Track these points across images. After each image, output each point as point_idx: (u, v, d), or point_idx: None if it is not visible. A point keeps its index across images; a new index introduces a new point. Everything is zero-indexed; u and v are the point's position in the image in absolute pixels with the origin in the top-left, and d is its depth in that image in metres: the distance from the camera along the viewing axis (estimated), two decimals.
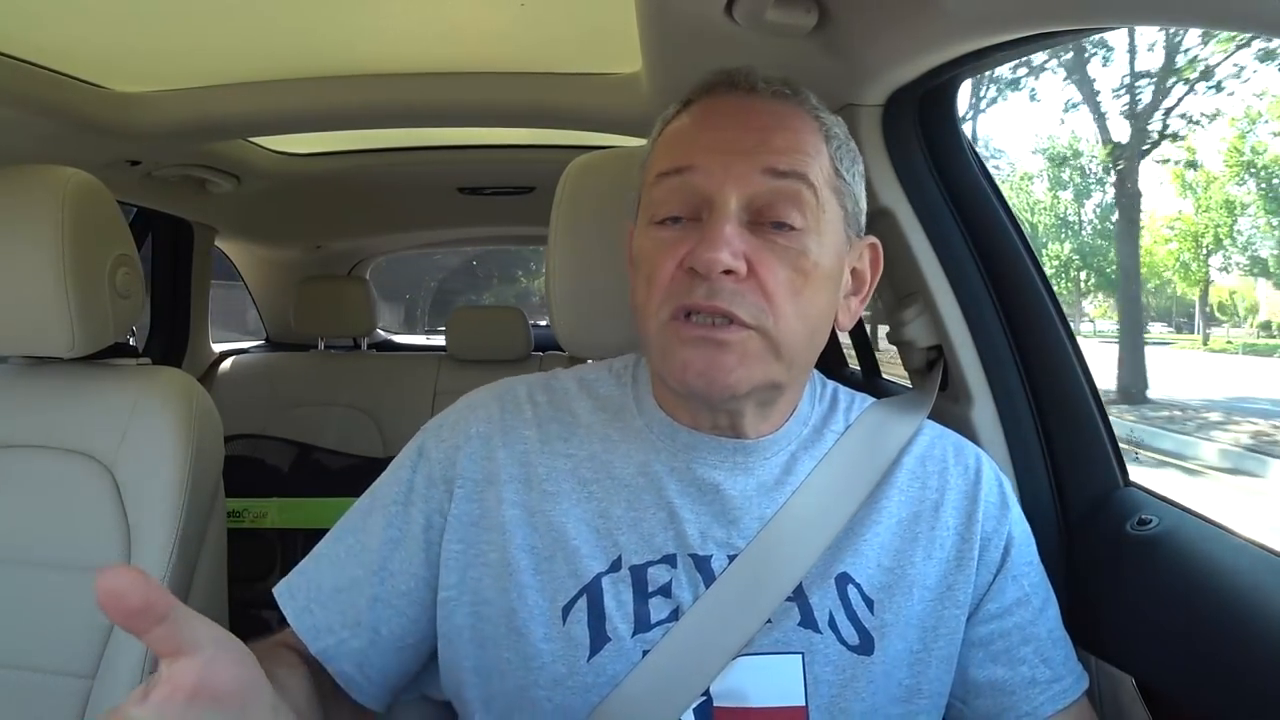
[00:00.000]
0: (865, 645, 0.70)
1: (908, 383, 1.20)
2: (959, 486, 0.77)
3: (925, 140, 1.03)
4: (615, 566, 0.71)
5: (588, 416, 0.78)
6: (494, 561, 0.72)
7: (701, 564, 0.71)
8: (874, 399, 0.83)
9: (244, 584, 1.92)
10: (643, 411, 0.77)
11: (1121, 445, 0.97)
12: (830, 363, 2.03)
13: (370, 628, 0.74)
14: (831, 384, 0.84)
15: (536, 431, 0.76)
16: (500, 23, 1.26)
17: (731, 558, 0.71)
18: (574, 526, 0.72)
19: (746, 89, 0.73)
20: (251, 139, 1.84)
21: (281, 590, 0.78)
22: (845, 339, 2.02)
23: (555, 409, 0.78)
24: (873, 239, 0.78)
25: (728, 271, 0.66)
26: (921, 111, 1.02)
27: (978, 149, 1.07)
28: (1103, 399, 0.98)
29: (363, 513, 0.78)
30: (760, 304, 0.67)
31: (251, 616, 2.05)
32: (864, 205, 0.76)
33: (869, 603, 0.71)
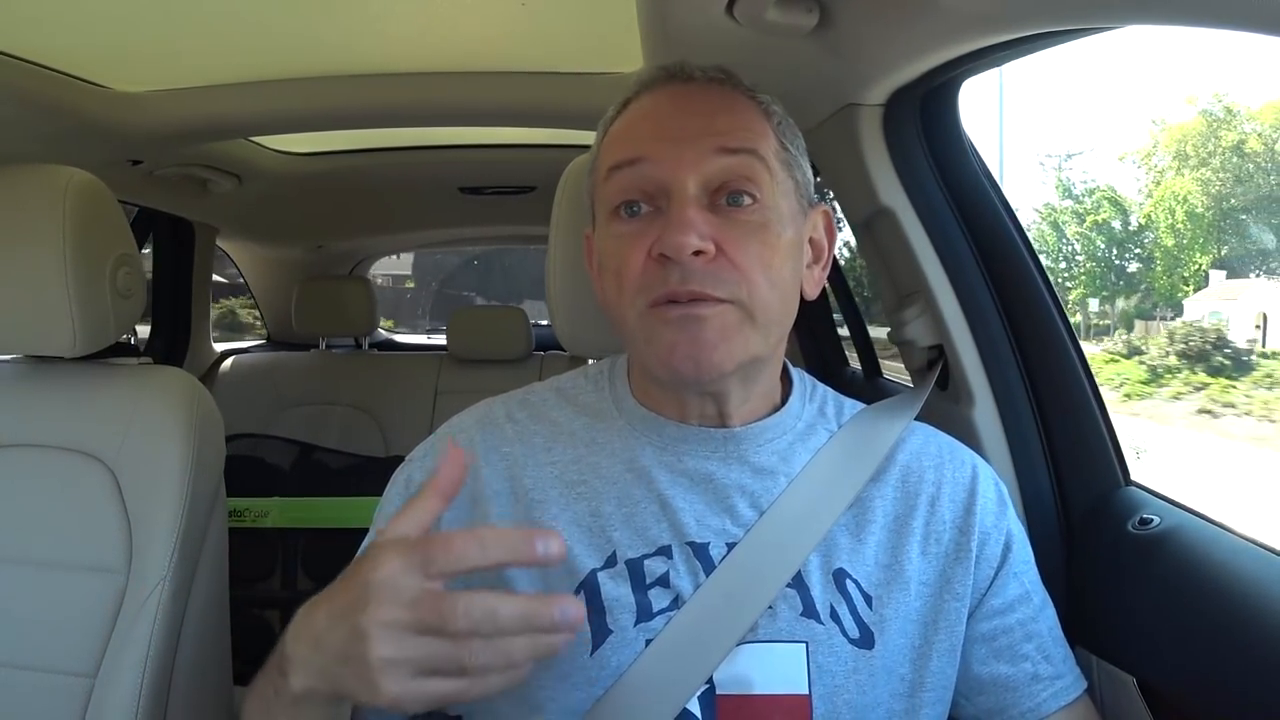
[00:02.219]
0: (866, 639, 0.70)
1: (909, 382, 1.20)
2: (955, 480, 0.78)
3: (926, 140, 1.03)
4: (610, 562, 0.71)
5: (569, 423, 0.79)
6: (488, 577, 0.72)
7: (700, 552, 0.71)
8: (865, 405, 0.84)
9: (245, 583, 1.93)
10: (623, 412, 0.78)
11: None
12: (830, 362, 2.03)
13: None
14: (821, 387, 0.84)
15: (519, 446, 0.77)
16: (501, 22, 1.26)
17: (730, 545, 0.71)
18: (565, 529, 0.72)
19: (683, 79, 0.75)
20: (253, 138, 1.84)
21: None
22: (844, 333, 2.02)
23: (536, 421, 0.79)
24: (824, 206, 0.79)
25: (697, 253, 0.66)
26: (923, 111, 1.02)
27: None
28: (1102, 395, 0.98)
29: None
30: (733, 278, 0.68)
31: (253, 616, 2.06)
32: (810, 176, 0.77)
33: (868, 599, 0.72)
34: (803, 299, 0.77)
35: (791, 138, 0.75)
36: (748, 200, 0.70)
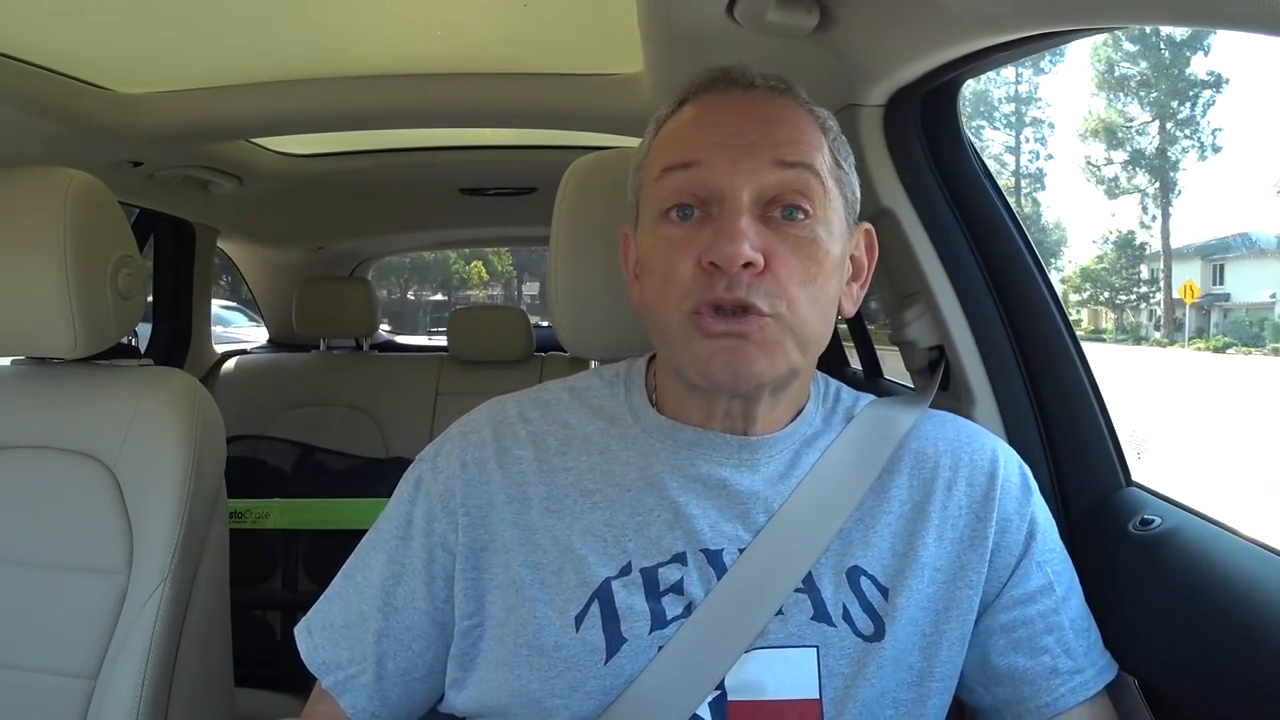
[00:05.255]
0: (878, 632, 0.70)
1: (909, 382, 1.20)
2: (974, 464, 0.77)
3: (927, 140, 1.03)
4: (624, 571, 0.71)
5: (584, 427, 0.78)
6: (502, 583, 0.72)
7: (713, 558, 0.71)
8: (876, 397, 0.83)
9: (246, 585, 1.92)
10: (639, 419, 0.77)
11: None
12: (832, 362, 2.03)
13: (376, 662, 0.75)
14: (835, 384, 0.84)
15: (533, 450, 0.76)
16: (502, 23, 1.26)
17: (743, 551, 0.71)
18: (579, 538, 0.72)
19: (745, 85, 0.74)
20: (253, 140, 1.84)
21: (300, 629, 0.79)
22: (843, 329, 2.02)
23: (550, 423, 0.78)
24: (867, 225, 0.79)
25: (747, 265, 0.66)
26: (923, 112, 1.02)
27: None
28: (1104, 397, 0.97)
29: (369, 548, 0.79)
30: (777, 294, 0.67)
31: (253, 617, 2.07)
32: (859, 194, 0.77)
33: (884, 591, 0.72)
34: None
35: (844, 155, 0.75)
36: (800, 215, 0.69)
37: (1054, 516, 0.95)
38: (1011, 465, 0.78)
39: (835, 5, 0.83)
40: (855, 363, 1.96)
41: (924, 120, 1.03)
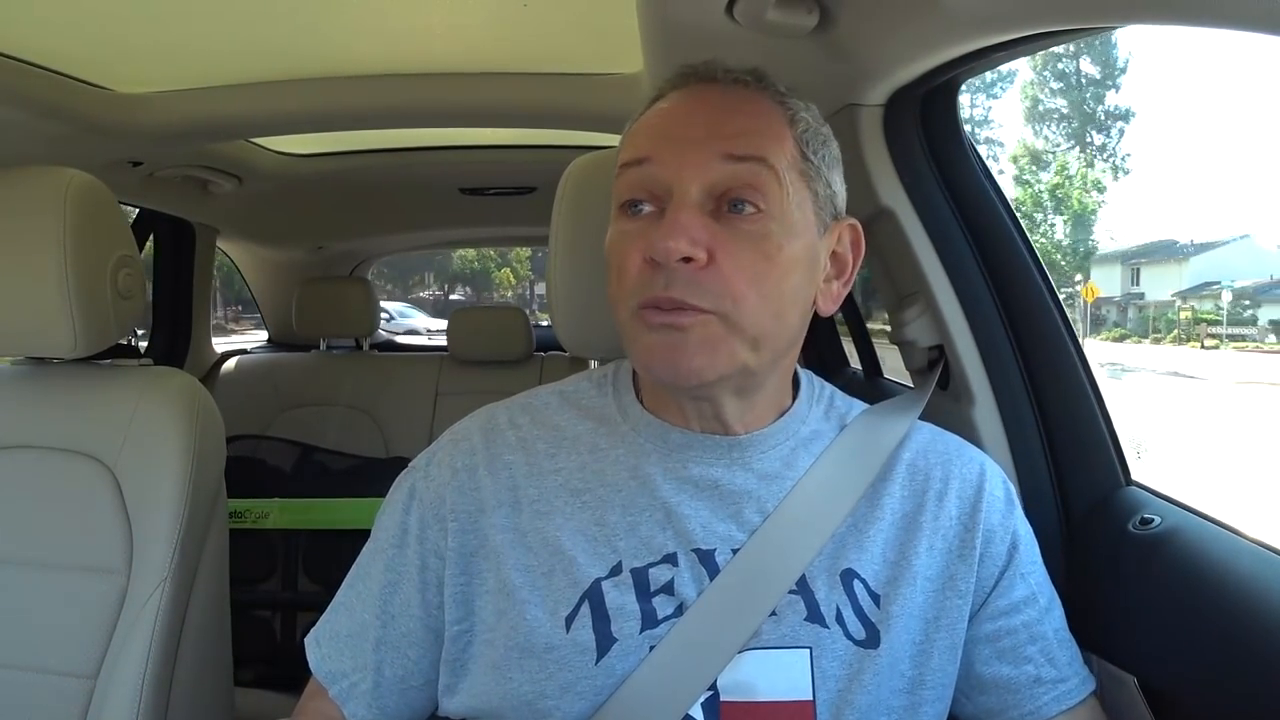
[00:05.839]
0: (871, 639, 0.70)
1: (909, 382, 1.20)
2: (962, 478, 0.77)
3: (926, 140, 1.03)
4: (615, 571, 0.71)
5: (573, 428, 0.78)
6: (493, 587, 0.72)
7: (705, 558, 0.71)
8: (869, 405, 0.83)
9: (246, 585, 1.92)
10: (628, 418, 0.77)
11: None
12: (831, 362, 2.03)
13: (374, 669, 0.75)
14: (829, 387, 0.84)
15: (522, 454, 0.76)
16: (502, 23, 1.26)
17: (735, 551, 0.71)
18: (569, 539, 0.72)
19: (706, 79, 0.73)
20: (253, 139, 1.84)
21: (309, 639, 0.80)
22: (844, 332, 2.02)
23: (539, 426, 0.78)
24: (852, 220, 0.77)
25: (687, 260, 0.65)
26: (923, 111, 1.02)
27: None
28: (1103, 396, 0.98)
29: (369, 556, 0.79)
30: (720, 289, 0.66)
31: (253, 617, 2.06)
32: (839, 189, 0.75)
33: (875, 598, 0.72)
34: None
35: (816, 148, 0.72)
36: (749, 209, 0.67)
37: (1054, 516, 0.96)
38: (996, 479, 0.79)
39: (835, 5, 0.83)
40: (855, 363, 1.96)
41: (924, 120, 1.03)
